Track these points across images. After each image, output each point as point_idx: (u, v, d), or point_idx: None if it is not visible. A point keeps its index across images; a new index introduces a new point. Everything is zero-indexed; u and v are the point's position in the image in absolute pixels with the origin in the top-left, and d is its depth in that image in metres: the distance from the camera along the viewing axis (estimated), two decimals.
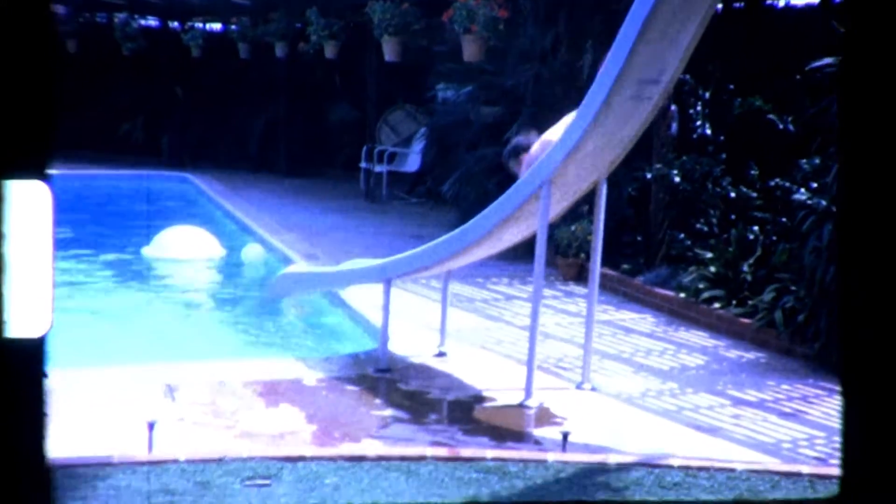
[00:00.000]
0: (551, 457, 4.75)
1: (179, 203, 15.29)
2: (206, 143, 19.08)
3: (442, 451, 4.84)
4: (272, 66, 17.93)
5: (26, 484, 1.65)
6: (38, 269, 1.60)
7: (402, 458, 4.75)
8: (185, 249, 10.86)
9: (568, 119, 5.97)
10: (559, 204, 6.30)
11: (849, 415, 2.15)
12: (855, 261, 2.09)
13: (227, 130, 19.07)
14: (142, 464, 4.55)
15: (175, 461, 4.60)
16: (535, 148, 6.35)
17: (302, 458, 4.69)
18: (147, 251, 11.01)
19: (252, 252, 10.98)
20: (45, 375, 1.65)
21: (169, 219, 12.23)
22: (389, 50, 12.62)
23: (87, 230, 13.08)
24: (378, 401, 5.93)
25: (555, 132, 6.16)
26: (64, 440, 4.94)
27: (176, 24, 20.10)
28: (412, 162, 15.05)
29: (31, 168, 1.62)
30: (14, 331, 1.59)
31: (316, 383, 6.18)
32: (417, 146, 14.88)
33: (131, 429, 5.11)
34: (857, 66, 2.06)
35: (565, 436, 4.95)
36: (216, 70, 19.19)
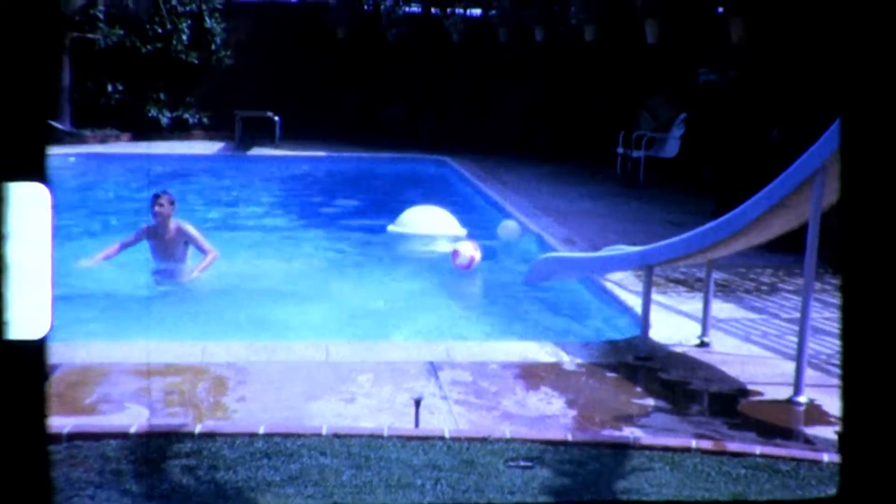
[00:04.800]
0: (827, 457, 4.53)
1: (437, 185, 15.67)
2: (463, 128, 19.46)
3: (707, 444, 4.72)
4: (530, 51, 18.03)
5: (27, 484, 1.65)
6: (38, 270, 1.60)
7: (666, 449, 4.67)
8: (426, 227, 11.12)
9: None
10: (833, 193, 5.98)
11: (849, 414, 2.02)
12: (858, 261, 1.99)
13: (484, 115, 19.37)
14: (409, 439, 4.70)
15: (441, 438, 4.72)
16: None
17: (564, 443, 4.70)
18: (391, 228, 11.37)
19: (508, 228, 11.07)
20: (45, 376, 1.64)
21: (426, 200, 12.54)
22: (651, 32, 12.40)
23: (346, 207, 13.70)
24: (638, 389, 5.85)
25: None
26: (336, 409, 5.19)
27: (436, 10, 20.57)
28: (670, 147, 14.75)
29: (31, 169, 1.60)
30: (14, 332, 1.58)
31: (575, 368, 6.17)
32: (677, 132, 14.57)
33: (398, 403, 5.30)
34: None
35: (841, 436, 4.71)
36: (475, 55, 19.50)
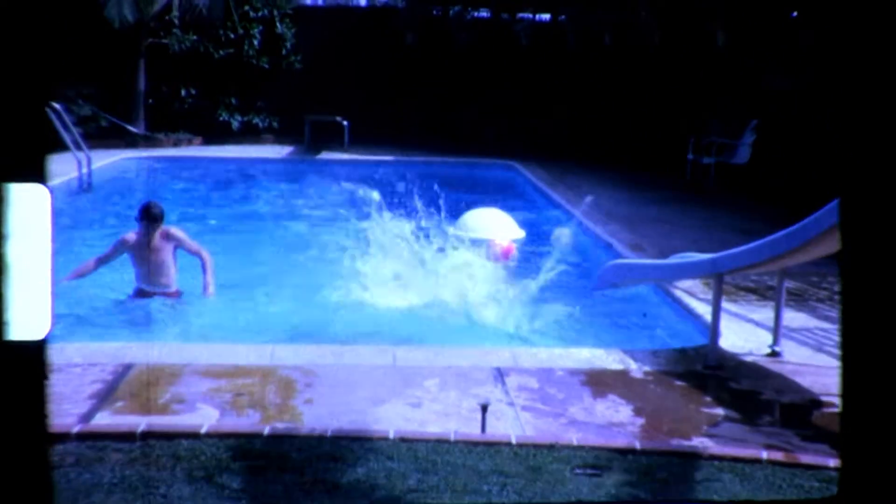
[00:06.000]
0: None
1: (505, 190, 15.65)
2: (531, 132, 19.42)
3: (779, 456, 4.65)
4: (599, 56, 17.94)
5: (27, 485, 1.65)
6: (38, 271, 1.60)
7: (735, 459, 4.61)
8: (486, 230, 11.11)
9: None
10: None
11: (848, 414, 1.99)
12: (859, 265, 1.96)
13: (551, 119, 19.31)
14: (476, 444, 4.70)
15: (508, 444, 4.71)
16: None
17: (632, 451, 4.66)
18: (452, 231, 11.40)
19: (562, 235, 11.03)
20: (45, 376, 1.63)
21: (494, 204, 12.51)
22: (721, 35, 12.26)
23: (413, 211, 13.73)
24: (707, 398, 5.78)
25: None
26: (403, 413, 5.21)
27: (505, 15, 20.58)
28: (741, 154, 14.56)
29: (31, 170, 1.60)
30: (14, 332, 1.58)
31: (643, 376, 6.12)
32: (748, 138, 14.38)
33: (465, 409, 5.30)
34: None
35: None
36: (543, 60, 19.46)
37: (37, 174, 1.60)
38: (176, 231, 8.23)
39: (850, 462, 1.99)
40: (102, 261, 8.12)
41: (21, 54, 1.59)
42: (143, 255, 8.09)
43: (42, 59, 1.59)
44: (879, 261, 1.91)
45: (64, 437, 4.54)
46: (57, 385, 5.46)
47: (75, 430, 4.63)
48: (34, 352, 1.61)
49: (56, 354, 5.95)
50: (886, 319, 1.89)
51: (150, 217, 8.08)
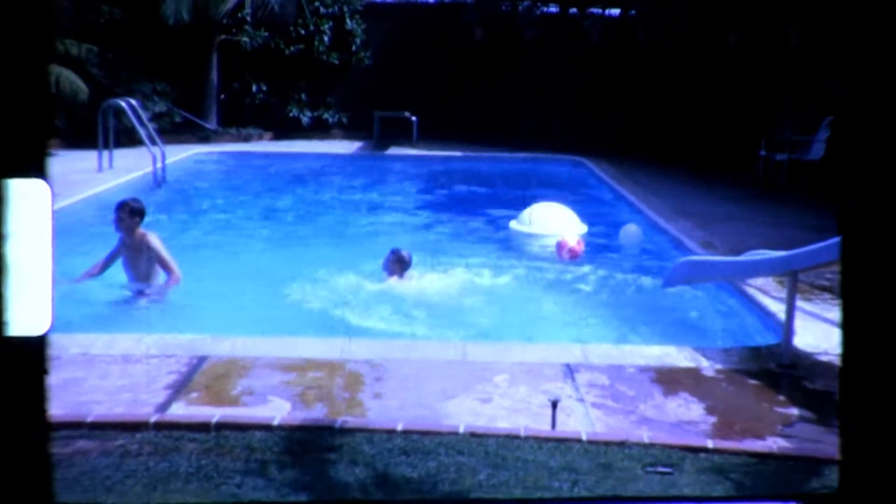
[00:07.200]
0: None
1: (574, 186, 15.58)
2: (598, 128, 19.30)
3: None
4: (670, 51, 17.75)
5: (28, 483, 1.65)
6: (38, 267, 1.59)
7: (811, 460, 4.54)
8: (548, 224, 11.06)
9: None
10: None
11: (848, 412, 1.97)
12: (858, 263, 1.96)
13: (620, 115, 19.16)
14: (546, 440, 4.69)
15: (578, 440, 4.69)
16: None
17: (704, 450, 4.61)
18: (513, 225, 11.40)
19: (630, 233, 10.95)
20: (45, 374, 1.63)
21: (563, 201, 12.46)
22: (794, 33, 12.06)
23: (479, 207, 13.75)
24: (781, 397, 5.70)
25: None
26: (473, 408, 5.22)
27: (574, 10, 20.48)
28: (815, 150, 14.31)
29: (31, 166, 1.59)
30: (14, 330, 1.58)
31: (715, 374, 6.05)
32: (822, 134, 14.12)
33: (534, 405, 5.30)
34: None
35: None
36: (612, 55, 19.33)
37: (37, 169, 1.60)
38: (154, 241, 8.02)
39: (851, 456, 1.97)
40: (108, 259, 8.16)
41: (19, 44, 1.59)
42: (129, 257, 8.05)
43: (41, 48, 1.60)
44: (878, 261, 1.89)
45: (142, 426, 4.64)
46: (135, 375, 5.57)
47: (153, 419, 4.72)
48: (34, 348, 1.62)
49: (134, 345, 6.08)
50: (885, 317, 1.87)
51: (125, 210, 8.01)
